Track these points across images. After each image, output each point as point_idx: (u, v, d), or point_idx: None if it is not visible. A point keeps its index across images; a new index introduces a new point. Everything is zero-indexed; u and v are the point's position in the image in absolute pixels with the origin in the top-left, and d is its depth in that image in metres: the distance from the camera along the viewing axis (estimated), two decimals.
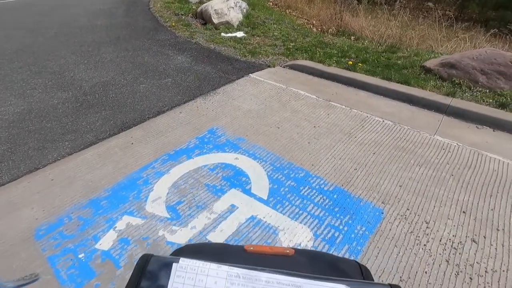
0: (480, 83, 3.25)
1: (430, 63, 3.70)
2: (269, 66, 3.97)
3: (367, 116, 2.86)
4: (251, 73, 3.74)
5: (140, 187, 2.01)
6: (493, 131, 2.69)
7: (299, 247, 1.60)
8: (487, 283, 1.47)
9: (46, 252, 1.59)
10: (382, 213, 1.84)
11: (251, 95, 3.22)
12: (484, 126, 2.74)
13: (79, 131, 2.60)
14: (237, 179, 2.09)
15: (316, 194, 1.98)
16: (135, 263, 0.42)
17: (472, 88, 3.24)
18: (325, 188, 2.02)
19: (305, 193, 1.98)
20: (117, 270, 1.52)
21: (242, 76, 3.65)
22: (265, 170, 2.17)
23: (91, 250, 1.61)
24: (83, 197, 1.93)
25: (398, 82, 3.39)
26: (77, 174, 2.12)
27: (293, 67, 3.93)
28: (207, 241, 1.63)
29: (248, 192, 1.99)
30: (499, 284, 1.46)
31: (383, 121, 2.79)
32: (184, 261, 0.42)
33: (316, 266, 0.42)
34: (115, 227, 1.74)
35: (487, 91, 3.19)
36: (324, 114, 2.89)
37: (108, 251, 1.60)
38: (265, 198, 1.94)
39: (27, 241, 1.64)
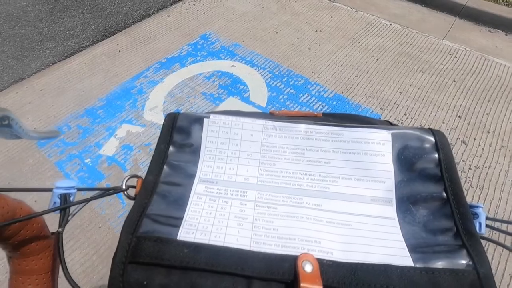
0: None
1: None
2: None
3: (374, 19, 2.61)
4: None
5: (135, 96, 1.95)
6: (506, 34, 2.52)
7: None
8: (468, 177, 1.60)
9: (52, 158, 1.64)
10: (380, 118, 1.87)
11: None
12: (498, 30, 2.56)
13: (59, 37, 2.36)
14: (234, 87, 2.02)
15: (316, 101, 1.96)
16: (163, 121, 0.40)
17: None
18: (325, 95, 1.99)
19: (304, 100, 1.96)
20: (124, 173, 1.60)
21: None
22: (263, 78, 2.09)
23: (96, 156, 1.66)
24: (77, 106, 1.89)
25: None
26: (66, 84, 2.03)
27: None
28: None
29: (246, 100, 1.95)
30: (479, 179, 1.60)
31: (391, 24, 2.57)
32: (215, 117, 0.39)
33: (348, 122, 0.40)
34: (116, 134, 1.75)
35: None
36: (327, 17, 2.62)
37: (113, 157, 1.66)
38: (264, 105, 1.92)
39: (31, 148, 1.67)
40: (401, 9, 2.76)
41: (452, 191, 0.33)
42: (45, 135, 0.38)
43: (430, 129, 0.38)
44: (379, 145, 0.37)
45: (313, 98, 1.97)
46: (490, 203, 1.51)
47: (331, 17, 2.62)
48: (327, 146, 0.37)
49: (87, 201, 0.37)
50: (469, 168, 1.63)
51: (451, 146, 1.69)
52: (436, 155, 0.36)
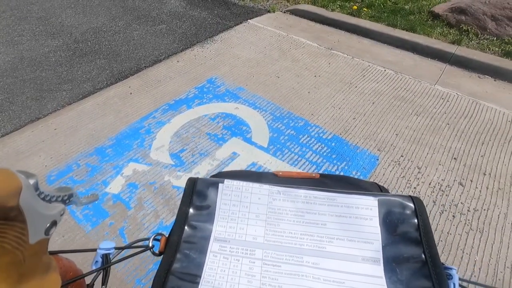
0: (488, 30, 3.12)
1: (439, 8, 3.50)
2: (268, 11, 3.74)
3: (369, 65, 2.80)
4: (250, 19, 3.54)
5: (143, 136, 2.06)
6: (494, 80, 2.67)
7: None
8: (468, 220, 1.61)
9: None
10: (377, 159, 1.93)
11: (250, 43, 3.10)
12: (486, 76, 2.72)
13: (76, 80, 2.55)
14: (237, 128, 2.13)
15: (315, 142, 2.04)
16: (184, 186, 0.47)
17: (479, 36, 3.13)
18: (324, 137, 2.08)
19: (304, 141, 2.04)
20: (128, 211, 1.63)
21: (241, 22, 3.46)
22: (265, 120, 2.20)
23: (102, 194, 1.71)
24: (88, 145, 1.98)
25: (403, 29, 3.24)
26: (79, 124, 2.15)
27: (294, 12, 3.71)
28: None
29: (248, 140, 2.04)
30: (478, 221, 1.61)
31: (385, 70, 2.75)
32: (229, 182, 0.47)
33: (341, 186, 0.47)
34: (122, 173, 1.82)
35: (494, 38, 3.08)
36: (325, 63, 2.82)
37: (118, 195, 1.71)
38: (265, 146, 2.01)
39: (40, 185, 1.73)
40: (394, 56, 2.97)
41: (430, 253, 0.39)
42: (91, 199, 0.46)
43: (410, 196, 0.45)
44: (367, 210, 0.43)
45: (313, 139, 2.06)
46: (492, 247, 1.50)
47: (329, 63, 2.81)
48: (323, 210, 0.44)
49: (123, 259, 0.44)
50: (467, 211, 1.65)
51: (449, 188, 1.73)
52: (416, 220, 0.42)
